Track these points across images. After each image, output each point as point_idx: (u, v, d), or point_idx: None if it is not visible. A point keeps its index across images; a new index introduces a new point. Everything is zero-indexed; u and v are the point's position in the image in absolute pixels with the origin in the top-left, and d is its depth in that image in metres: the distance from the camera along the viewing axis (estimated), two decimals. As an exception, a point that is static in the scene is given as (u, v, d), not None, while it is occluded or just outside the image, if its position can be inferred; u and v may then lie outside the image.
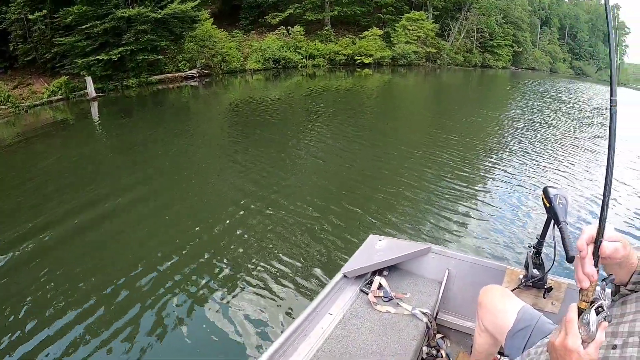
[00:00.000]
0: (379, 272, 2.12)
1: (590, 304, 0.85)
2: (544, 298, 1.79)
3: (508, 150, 8.32)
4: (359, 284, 2.04)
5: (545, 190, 1.64)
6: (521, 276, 1.83)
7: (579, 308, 0.86)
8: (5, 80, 16.15)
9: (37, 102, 14.98)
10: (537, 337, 1.26)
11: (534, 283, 1.77)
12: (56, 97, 15.36)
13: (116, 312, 3.21)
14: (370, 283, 2.03)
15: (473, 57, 33.19)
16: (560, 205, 1.55)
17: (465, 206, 5.27)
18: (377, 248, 2.21)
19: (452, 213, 5.01)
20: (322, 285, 3.21)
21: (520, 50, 39.33)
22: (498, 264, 1.96)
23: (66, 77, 15.82)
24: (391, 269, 2.17)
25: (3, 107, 14.22)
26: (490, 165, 7.23)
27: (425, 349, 1.95)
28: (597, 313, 0.84)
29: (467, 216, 4.97)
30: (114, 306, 3.29)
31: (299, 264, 3.80)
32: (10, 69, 17.14)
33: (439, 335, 2.05)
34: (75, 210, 5.04)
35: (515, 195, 5.80)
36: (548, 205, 1.60)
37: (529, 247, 1.90)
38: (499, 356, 1.66)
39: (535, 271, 1.78)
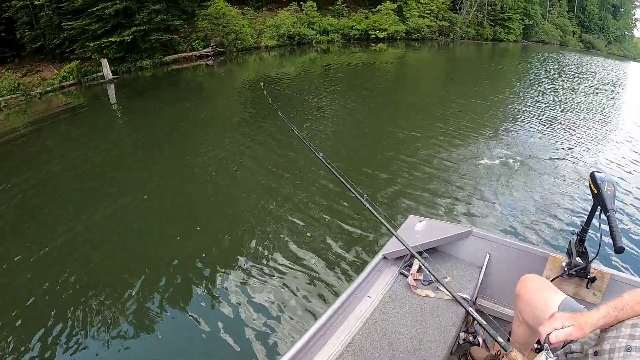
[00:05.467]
0: (418, 254, 1.98)
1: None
2: (587, 288, 1.73)
3: (548, 130, 7.61)
4: (398, 266, 1.98)
5: (592, 176, 1.57)
6: (564, 264, 1.75)
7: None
8: (14, 69, 15.65)
9: (49, 89, 14.45)
10: None
11: (577, 272, 1.71)
12: (68, 82, 14.84)
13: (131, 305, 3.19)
14: (410, 265, 1.97)
15: (485, 31, 32.37)
16: (608, 192, 1.50)
17: (506, 189, 5.01)
18: (417, 229, 2.15)
19: (493, 196, 4.80)
20: (363, 265, 3.10)
21: (531, 23, 38.56)
22: (541, 250, 1.89)
23: (77, 62, 15.31)
24: (431, 252, 2.08)
25: (14, 95, 13.77)
26: (529, 144, 6.67)
27: (462, 334, 1.90)
28: None
29: (509, 199, 4.74)
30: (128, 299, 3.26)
31: (338, 246, 3.72)
32: (18, 57, 16.63)
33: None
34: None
35: (559, 177, 5.36)
36: (595, 191, 1.55)
37: (572, 234, 1.82)
38: (536, 345, 1.60)
39: (578, 260, 1.71)
